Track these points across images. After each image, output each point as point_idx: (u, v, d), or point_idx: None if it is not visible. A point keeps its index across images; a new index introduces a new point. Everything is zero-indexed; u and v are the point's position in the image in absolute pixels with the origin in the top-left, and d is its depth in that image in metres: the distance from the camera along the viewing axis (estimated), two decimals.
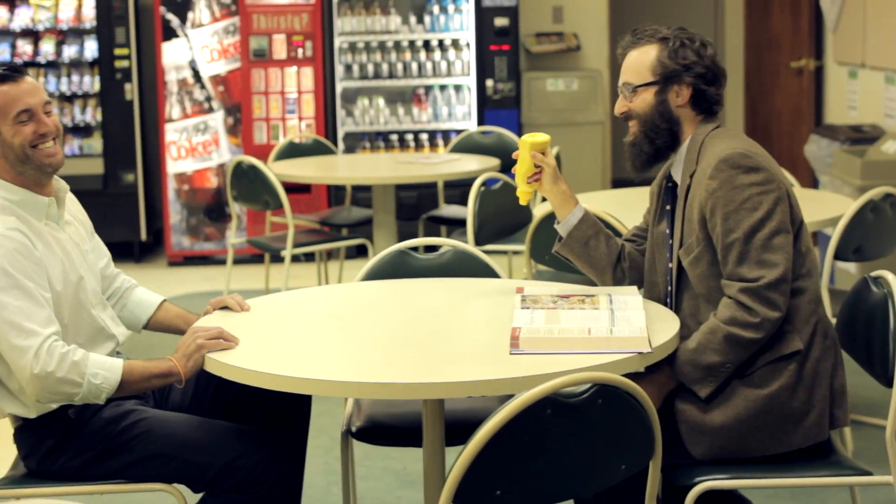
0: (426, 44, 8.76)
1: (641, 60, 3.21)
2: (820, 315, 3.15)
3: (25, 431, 3.19)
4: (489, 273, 3.73)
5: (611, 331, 2.90)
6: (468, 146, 7.16)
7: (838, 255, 4.46)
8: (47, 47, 8.70)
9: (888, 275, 3.13)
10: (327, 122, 8.68)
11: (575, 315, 3.05)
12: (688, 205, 3.15)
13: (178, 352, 3.05)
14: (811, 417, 3.08)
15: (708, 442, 3.06)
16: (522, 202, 3.40)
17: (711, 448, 3.07)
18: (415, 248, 3.84)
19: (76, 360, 2.98)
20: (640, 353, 2.82)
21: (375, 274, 3.73)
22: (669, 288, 3.24)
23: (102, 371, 3.01)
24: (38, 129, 3.19)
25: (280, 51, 8.55)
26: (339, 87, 8.70)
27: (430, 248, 3.90)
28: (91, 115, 8.67)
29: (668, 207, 3.27)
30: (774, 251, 3.04)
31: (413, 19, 8.79)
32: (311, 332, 3.18)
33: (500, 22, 8.66)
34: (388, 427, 3.48)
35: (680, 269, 3.20)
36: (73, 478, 3.17)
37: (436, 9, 8.73)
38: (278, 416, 3.37)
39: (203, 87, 8.54)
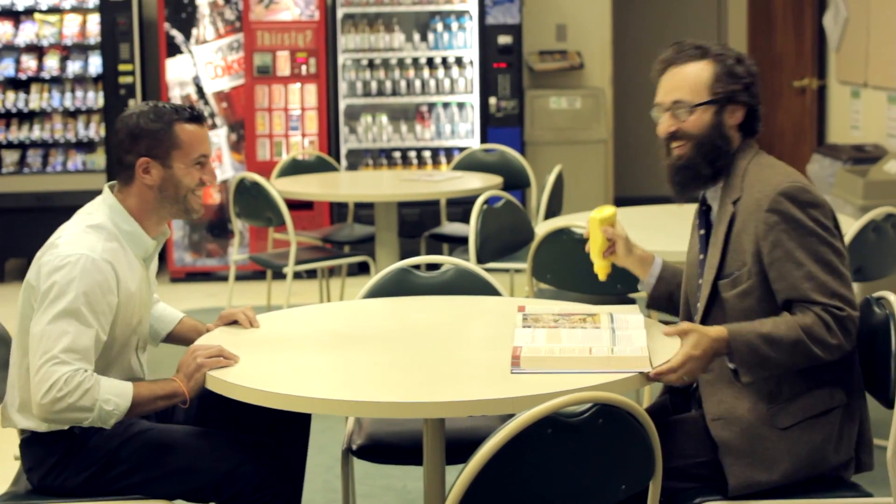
0: (429, 61, 8.78)
1: (697, 78, 3.11)
2: (856, 361, 3.10)
3: (32, 445, 3.20)
4: (491, 291, 3.73)
5: (612, 350, 2.91)
6: (471, 164, 7.17)
7: None
8: (51, 62, 8.72)
9: (890, 296, 3.13)
10: (330, 138, 8.69)
11: (576, 334, 3.05)
12: (734, 234, 3.06)
13: (179, 371, 3.06)
14: (842, 469, 3.08)
15: (753, 490, 3.01)
16: (602, 278, 3.31)
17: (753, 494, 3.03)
18: (417, 266, 3.84)
19: (89, 388, 3.00)
20: (641, 372, 2.83)
21: (377, 292, 3.73)
22: (695, 318, 3.15)
23: (114, 398, 3.02)
24: (204, 176, 3.26)
25: (284, 67, 8.57)
26: (342, 104, 8.72)
27: (433, 266, 3.90)
28: (94, 130, 8.68)
29: (702, 232, 3.20)
30: (849, 285, 2.98)
31: (417, 37, 8.81)
32: (312, 349, 3.18)
33: (504, 40, 8.67)
34: (388, 445, 3.48)
35: (711, 297, 3.10)
36: (75, 493, 3.17)
37: (439, 26, 8.74)
38: (279, 427, 3.38)
39: (207, 103, 8.55)
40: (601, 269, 3.30)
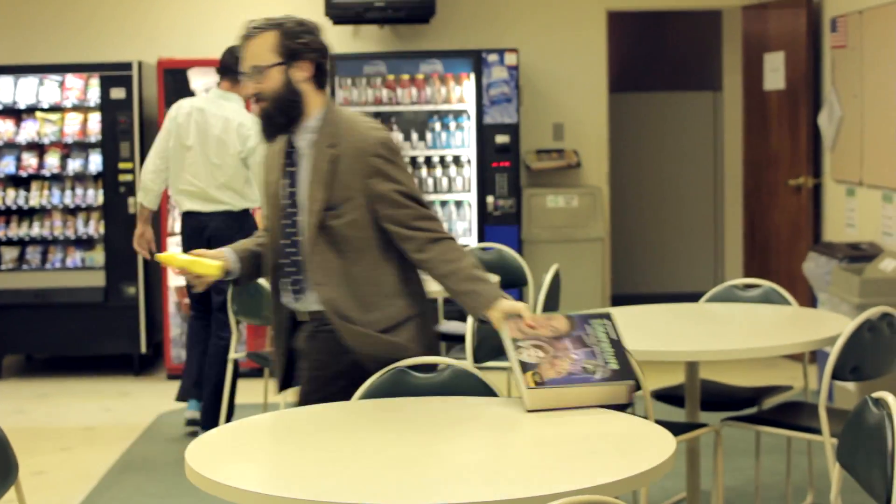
0: (428, 160, 8.84)
1: (264, 44, 3.71)
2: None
3: None
4: (487, 392, 3.72)
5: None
6: None
7: (836, 375, 4.46)
8: (52, 160, 8.79)
9: (889, 396, 3.13)
10: None
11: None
12: (339, 174, 3.70)
13: None
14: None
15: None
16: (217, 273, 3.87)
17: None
18: (413, 367, 3.84)
19: None
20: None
21: (374, 392, 3.72)
22: (294, 238, 3.79)
23: None
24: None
25: None
26: None
27: (429, 367, 3.90)
28: (94, 227, 8.72)
29: (291, 169, 3.79)
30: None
31: (415, 136, 8.88)
32: (306, 451, 3.17)
33: (501, 139, 8.75)
34: None
35: (319, 226, 3.73)
36: None
37: (437, 126, 8.82)
38: None
39: None
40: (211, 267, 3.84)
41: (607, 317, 3.56)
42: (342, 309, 3.77)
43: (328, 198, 3.72)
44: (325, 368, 3.84)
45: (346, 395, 3.73)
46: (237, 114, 6.79)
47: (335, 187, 3.72)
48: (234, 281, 4.03)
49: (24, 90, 8.86)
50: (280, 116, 3.74)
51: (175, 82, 8.56)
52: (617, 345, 3.47)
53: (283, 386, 4.03)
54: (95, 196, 8.74)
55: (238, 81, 6.55)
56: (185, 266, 3.85)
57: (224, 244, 4.18)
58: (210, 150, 6.75)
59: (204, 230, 6.78)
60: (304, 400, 3.83)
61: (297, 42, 3.72)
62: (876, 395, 3.19)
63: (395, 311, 3.84)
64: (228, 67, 6.71)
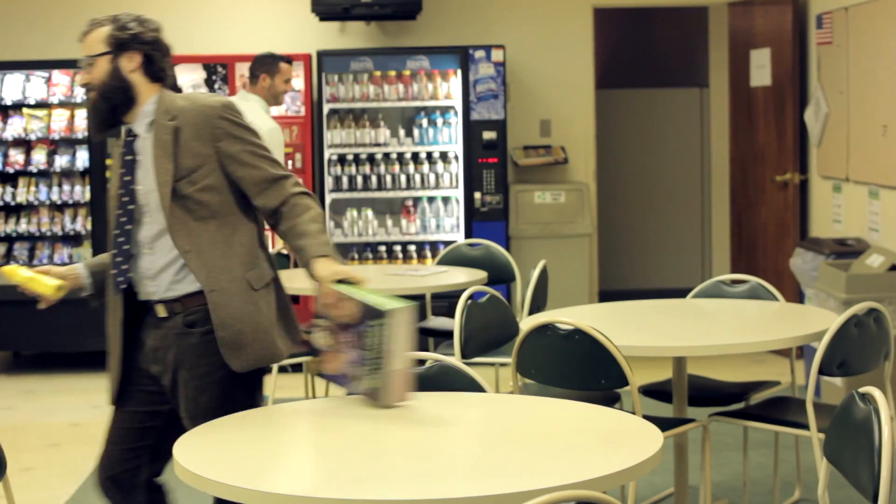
0: (415, 156, 8.84)
1: (96, 36, 3.75)
2: None
3: None
4: (475, 388, 3.73)
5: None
6: (456, 258, 7.19)
7: (823, 370, 4.47)
8: (39, 156, 8.78)
9: (875, 391, 3.14)
10: None
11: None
12: (184, 143, 3.69)
13: None
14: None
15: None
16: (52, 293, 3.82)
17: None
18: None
19: None
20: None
21: None
22: (129, 227, 3.73)
23: None
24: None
25: None
26: (328, 199, 8.77)
27: (418, 362, 3.91)
28: (81, 223, 8.72)
29: (129, 158, 3.75)
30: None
31: (402, 132, 8.88)
32: (296, 446, 3.18)
33: (488, 135, 8.75)
34: None
35: (172, 197, 3.68)
36: None
37: (424, 122, 8.82)
38: None
39: None
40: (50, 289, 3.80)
41: (384, 315, 3.31)
42: (212, 275, 3.71)
43: (176, 167, 3.69)
44: (216, 372, 3.73)
45: (252, 385, 3.77)
46: (249, 112, 6.96)
47: (182, 155, 3.69)
48: (91, 296, 3.95)
49: (11, 86, 8.84)
50: (103, 103, 3.74)
51: None
52: (387, 356, 3.32)
53: (120, 396, 3.99)
54: (83, 192, 8.72)
55: (256, 82, 7.05)
56: (23, 283, 3.80)
57: None
58: None
59: None
60: (201, 400, 3.73)
61: (126, 33, 3.75)
62: (863, 389, 3.20)
63: (260, 272, 3.83)
64: (250, 70, 7.11)
